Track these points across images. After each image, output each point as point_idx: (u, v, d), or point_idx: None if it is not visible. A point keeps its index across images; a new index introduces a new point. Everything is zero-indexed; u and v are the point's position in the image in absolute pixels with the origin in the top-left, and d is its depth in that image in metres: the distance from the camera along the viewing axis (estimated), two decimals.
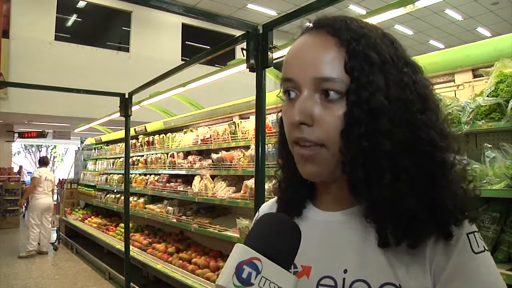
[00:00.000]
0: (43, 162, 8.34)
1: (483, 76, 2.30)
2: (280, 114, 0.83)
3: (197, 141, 4.95)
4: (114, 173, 7.94)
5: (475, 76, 2.45)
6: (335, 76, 0.67)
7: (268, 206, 0.95)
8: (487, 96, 2.10)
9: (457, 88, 2.51)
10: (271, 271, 0.61)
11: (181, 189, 5.18)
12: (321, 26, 0.72)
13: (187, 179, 5.37)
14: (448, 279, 0.66)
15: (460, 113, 2.17)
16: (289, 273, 0.63)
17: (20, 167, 15.96)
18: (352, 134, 0.67)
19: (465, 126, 2.12)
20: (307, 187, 0.82)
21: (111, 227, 7.42)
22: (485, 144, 2.19)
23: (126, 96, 4.22)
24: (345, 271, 0.72)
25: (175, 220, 5.16)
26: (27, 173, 18.64)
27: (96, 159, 9.58)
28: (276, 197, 0.92)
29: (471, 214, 0.69)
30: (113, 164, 8.08)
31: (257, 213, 0.97)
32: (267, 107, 2.31)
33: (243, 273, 0.60)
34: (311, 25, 0.75)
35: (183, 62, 4.30)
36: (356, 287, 0.70)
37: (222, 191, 4.40)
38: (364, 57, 0.67)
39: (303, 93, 0.70)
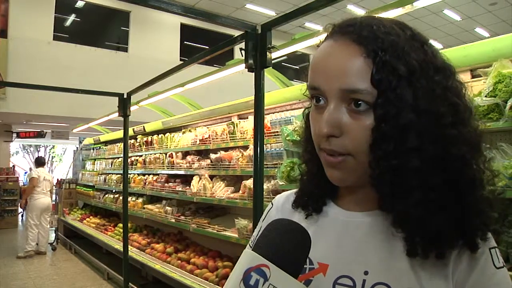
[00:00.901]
0: (40, 162, 8.28)
1: (482, 76, 2.29)
2: (306, 111, 0.83)
3: (196, 141, 4.95)
4: (112, 173, 7.93)
5: (473, 76, 2.45)
6: (363, 87, 0.65)
7: (284, 197, 0.94)
8: (486, 96, 2.10)
9: None
10: (279, 278, 0.60)
11: (180, 189, 5.18)
12: (347, 33, 0.69)
13: (186, 179, 5.37)
14: None
15: None
16: (298, 281, 0.62)
17: (13, 166, 15.82)
18: (380, 149, 0.66)
19: None
20: (329, 184, 0.80)
21: (110, 227, 7.41)
22: (483, 144, 2.19)
23: (125, 96, 4.22)
24: (366, 273, 0.71)
25: (173, 220, 5.15)
26: (24, 173, 18.58)
27: (95, 159, 9.56)
28: (292, 190, 0.91)
29: (495, 226, 0.71)
30: (111, 164, 8.07)
31: (269, 205, 0.96)
32: (265, 107, 2.31)
33: (251, 279, 0.59)
34: (335, 29, 0.72)
35: (182, 62, 4.30)
36: None
37: (221, 191, 4.40)
38: (392, 69, 0.64)
39: (330, 105, 0.69)
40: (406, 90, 0.65)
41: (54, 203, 9.06)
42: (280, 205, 0.93)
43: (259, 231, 0.91)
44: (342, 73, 0.67)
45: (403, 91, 0.65)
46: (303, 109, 0.86)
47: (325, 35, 0.75)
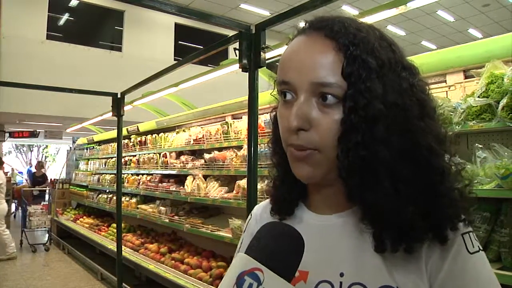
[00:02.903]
0: None
1: (474, 77, 2.31)
2: (273, 113, 0.83)
3: (190, 141, 4.94)
4: (106, 173, 7.89)
5: (466, 77, 2.47)
6: (333, 81, 0.66)
7: (261, 208, 0.94)
8: (478, 96, 2.11)
9: (449, 88, 2.53)
10: (272, 282, 0.59)
11: (174, 189, 5.17)
12: (319, 28, 0.70)
13: (180, 179, 5.36)
14: (444, 280, 0.66)
15: (451, 113, 2.18)
16: (291, 286, 0.61)
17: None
18: (349, 141, 0.66)
19: (457, 127, 2.13)
20: (299, 186, 0.81)
21: (103, 227, 7.38)
22: (476, 144, 2.21)
23: (119, 95, 4.20)
24: (342, 275, 0.72)
25: (167, 220, 5.14)
26: (18, 172, 18.37)
27: (88, 159, 9.51)
28: (269, 199, 0.91)
29: (467, 217, 0.70)
30: (105, 164, 8.03)
31: (249, 216, 0.96)
32: (259, 107, 2.31)
33: (244, 284, 0.58)
34: (307, 25, 0.73)
35: (176, 62, 4.29)
36: None
37: (215, 191, 4.39)
38: (362, 62, 0.66)
39: (300, 98, 0.68)
40: (376, 83, 0.66)
41: (44, 204, 8.86)
42: (258, 215, 0.93)
43: (241, 242, 0.92)
44: (313, 66, 0.67)
45: (373, 83, 0.66)
46: None
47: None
